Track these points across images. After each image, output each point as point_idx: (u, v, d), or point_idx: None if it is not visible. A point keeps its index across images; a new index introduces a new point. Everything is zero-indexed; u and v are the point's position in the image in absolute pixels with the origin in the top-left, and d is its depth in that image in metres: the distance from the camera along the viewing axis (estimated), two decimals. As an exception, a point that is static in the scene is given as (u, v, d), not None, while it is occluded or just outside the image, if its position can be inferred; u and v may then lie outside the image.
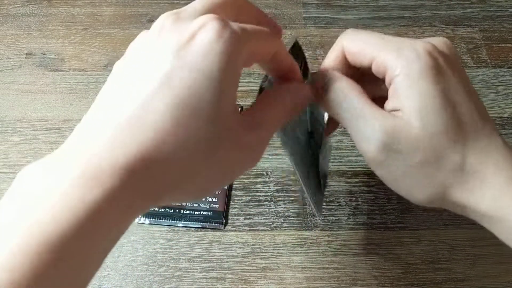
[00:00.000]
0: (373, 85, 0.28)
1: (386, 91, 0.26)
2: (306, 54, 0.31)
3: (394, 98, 0.25)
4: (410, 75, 0.24)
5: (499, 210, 0.23)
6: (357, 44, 0.27)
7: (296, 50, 0.30)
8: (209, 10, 0.22)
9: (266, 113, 0.25)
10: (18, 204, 0.18)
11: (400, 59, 0.24)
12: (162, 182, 0.20)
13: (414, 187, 0.25)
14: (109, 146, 0.19)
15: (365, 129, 0.25)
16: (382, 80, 0.26)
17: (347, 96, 0.26)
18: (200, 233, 0.43)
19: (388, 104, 0.25)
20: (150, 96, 0.20)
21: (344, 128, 0.27)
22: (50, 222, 0.17)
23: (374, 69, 0.26)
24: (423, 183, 0.25)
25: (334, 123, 0.29)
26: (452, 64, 0.25)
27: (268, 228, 0.43)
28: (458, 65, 0.26)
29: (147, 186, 0.20)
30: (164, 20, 0.22)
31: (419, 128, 0.24)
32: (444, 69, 0.25)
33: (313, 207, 0.37)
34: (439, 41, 0.26)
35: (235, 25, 0.21)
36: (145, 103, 0.20)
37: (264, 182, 0.45)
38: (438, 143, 0.24)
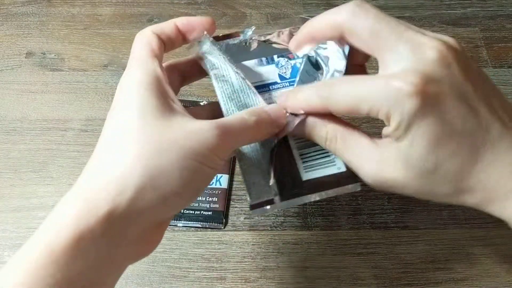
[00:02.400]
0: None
1: None
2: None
3: (385, 128, 0.25)
4: (397, 120, 0.23)
5: None
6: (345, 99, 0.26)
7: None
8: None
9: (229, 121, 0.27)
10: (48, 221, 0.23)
11: (387, 99, 0.23)
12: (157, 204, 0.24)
13: (426, 195, 0.26)
14: (107, 195, 0.23)
15: (356, 168, 0.26)
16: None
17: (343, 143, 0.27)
18: (200, 232, 0.43)
19: (383, 130, 0.26)
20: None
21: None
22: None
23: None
24: (431, 194, 0.25)
25: None
26: (452, 88, 0.23)
27: (268, 227, 0.43)
28: (462, 82, 0.23)
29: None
30: None
31: (403, 176, 0.24)
32: (440, 101, 0.23)
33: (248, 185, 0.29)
34: (438, 63, 0.23)
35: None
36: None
37: (264, 182, 0.45)
38: (427, 183, 0.24)
